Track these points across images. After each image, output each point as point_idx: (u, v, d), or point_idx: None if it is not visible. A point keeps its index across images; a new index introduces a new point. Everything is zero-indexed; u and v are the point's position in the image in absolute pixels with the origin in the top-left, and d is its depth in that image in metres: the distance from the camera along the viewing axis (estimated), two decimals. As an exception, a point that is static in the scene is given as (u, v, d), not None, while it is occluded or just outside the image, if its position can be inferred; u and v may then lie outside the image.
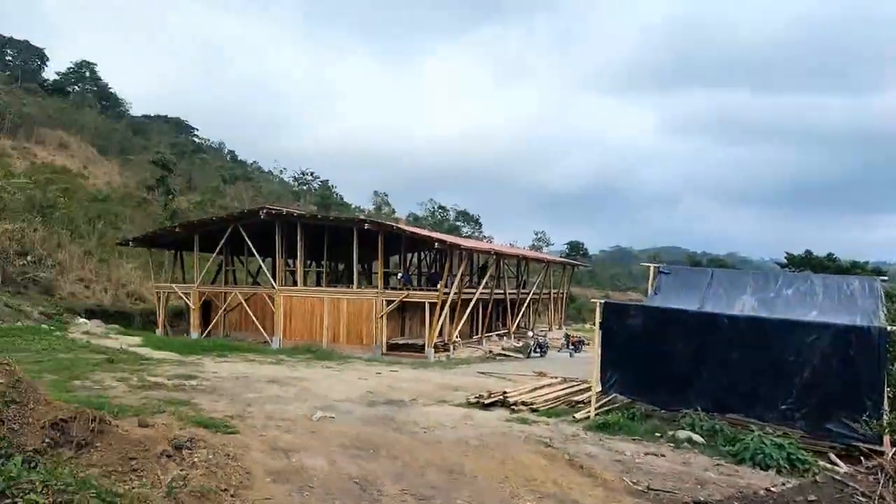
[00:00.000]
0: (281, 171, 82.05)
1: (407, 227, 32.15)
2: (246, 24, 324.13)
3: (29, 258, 32.72)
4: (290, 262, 33.92)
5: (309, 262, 35.56)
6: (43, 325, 24.08)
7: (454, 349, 28.37)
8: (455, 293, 28.24)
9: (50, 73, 74.79)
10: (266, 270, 33.31)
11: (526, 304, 37.78)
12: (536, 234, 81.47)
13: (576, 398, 14.59)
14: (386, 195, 79.95)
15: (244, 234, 30.06)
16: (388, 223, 32.49)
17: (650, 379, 12.75)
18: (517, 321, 36.56)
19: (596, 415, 12.39)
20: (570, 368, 21.21)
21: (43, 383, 9.75)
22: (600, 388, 13.26)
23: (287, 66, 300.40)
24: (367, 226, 28.20)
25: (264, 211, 29.46)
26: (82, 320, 26.94)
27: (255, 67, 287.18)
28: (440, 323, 26.97)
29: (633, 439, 11.04)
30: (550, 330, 40.48)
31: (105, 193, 47.76)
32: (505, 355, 29.01)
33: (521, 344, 31.58)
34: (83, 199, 43.88)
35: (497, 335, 34.59)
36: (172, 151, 56.81)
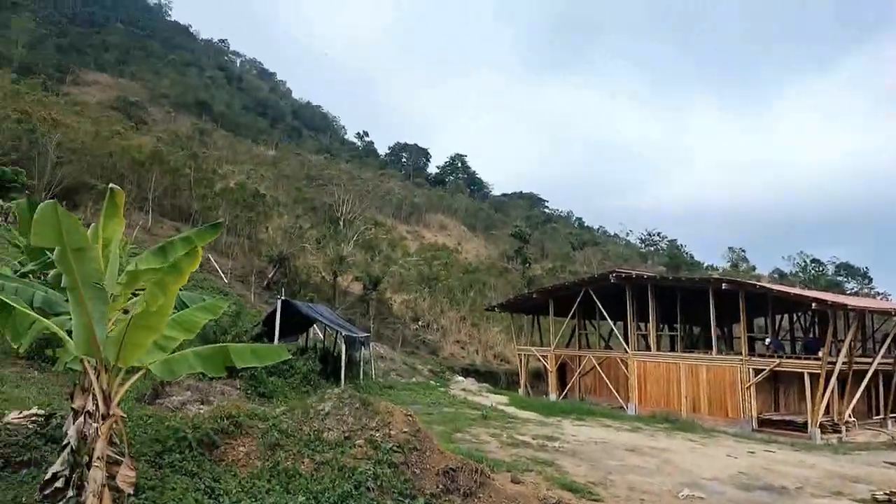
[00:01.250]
0: (627, 234, 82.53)
1: (773, 286, 28.59)
2: (585, 95, 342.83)
3: (420, 323, 39.20)
4: (642, 325, 33.21)
5: (661, 325, 34.29)
6: (431, 381, 28.30)
7: (847, 431, 23.54)
8: (844, 362, 23.67)
9: (432, 168, 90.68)
10: (618, 334, 33.27)
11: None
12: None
13: None
14: (743, 251, 73.04)
15: (595, 297, 30.73)
16: (749, 282, 29.41)
17: None
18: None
19: None
20: None
21: (433, 434, 11.31)
22: None
23: (627, 130, 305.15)
24: (724, 286, 25.96)
25: (613, 274, 29.73)
26: (460, 378, 30.78)
27: (597, 135, 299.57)
28: (825, 398, 22.80)
29: None
30: None
31: (474, 265, 54.69)
32: (924, 444, 22.80)
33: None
34: (458, 272, 51.00)
35: (909, 417, 27.52)
36: (527, 224, 62.31)
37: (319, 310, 26.51)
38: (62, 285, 5.34)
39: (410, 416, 10.14)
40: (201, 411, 10.80)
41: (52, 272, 7.00)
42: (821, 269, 69.00)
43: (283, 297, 23.26)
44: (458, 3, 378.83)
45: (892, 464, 17.02)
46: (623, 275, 29.75)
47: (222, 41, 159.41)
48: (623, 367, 29.14)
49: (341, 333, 23.78)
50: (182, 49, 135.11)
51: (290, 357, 8.41)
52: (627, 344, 29.71)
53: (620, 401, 28.83)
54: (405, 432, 9.65)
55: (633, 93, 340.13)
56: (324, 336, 29.55)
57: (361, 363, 25.63)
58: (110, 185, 7.99)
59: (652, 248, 72.24)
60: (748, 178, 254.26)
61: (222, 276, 35.79)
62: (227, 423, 8.49)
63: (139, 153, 43.80)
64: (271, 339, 21.91)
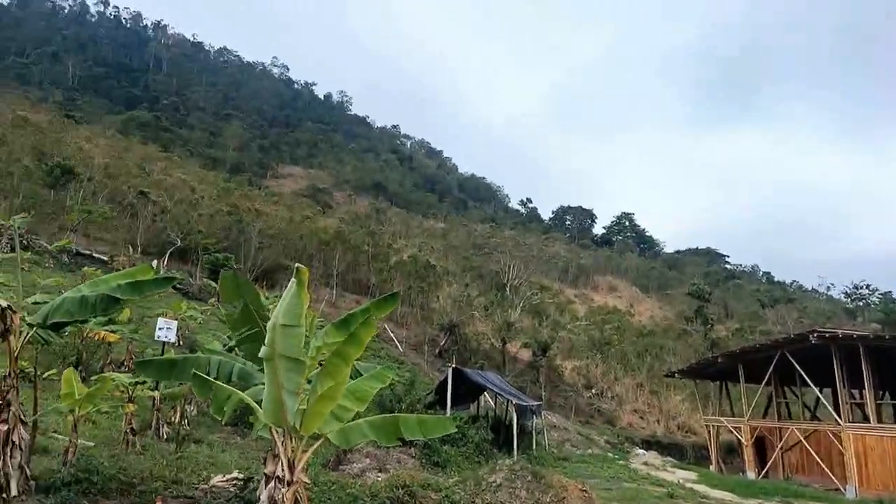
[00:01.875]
0: (827, 288, 73.10)
1: None
2: (761, 144, 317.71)
3: (593, 391, 37.58)
4: (855, 392, 28.74)
5: (881, 392, 29.41)
6: (608, 454, 26.71)
7: None
8: None
9: (598, 229, 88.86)
10: (825, 403, 29.04)
11: None
12: None
13: None
14: (985, 302, 60.91)
15: (793, 361, 27.29)
16: None
17: None
18: None
19: None
20: None
21: (613, 512, 10.56)
22: None
23: (813, 176, 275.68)
24: (963, 345, 21.77)
25: (815, 334, 26.25)
26: (640, 451, 28.70)
27: (780, 184, 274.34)
28: None
29: None
30: None
31: (649, 328, 51.73)
32: None
33: None
34: (631, 335, 48.54)
35: None
36: (706, 281, 58.02)
37: (490, 377, 26.58)
38: (260, 356, 5.95)
39: (587, 492, 9.62)
40: (378, 479, 11.18)
41: (245, 345, 7.85)
42: None
43: (453, 365, 23.71)
44: (616, 65, 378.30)
45: None
46: (827, 334, 26.14)
47: (394, 126, 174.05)
48: (836, 442, 25.18)
49: (512, 402, 23.52)
50: (361, 137, 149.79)
51: (455, 430, 8.46)
52: (839, 415, 25.72)
53: (836, 482, 24.79)
54: (580, 510, 9.14)
55: (816, 137, 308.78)
56: (495, 404, 29.43)
57: (534, 433, 25.02)
58: (297, 264, 8.93)
59: (861, 304, 63.04)
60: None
61: (397, 344, 37.56)
62: (402, 492, 8.69)
63: (325, 234, 48.46)
64: (444, 407, 22.29)
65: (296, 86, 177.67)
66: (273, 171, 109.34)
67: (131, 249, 35.37)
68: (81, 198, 39.34)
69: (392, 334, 39.02)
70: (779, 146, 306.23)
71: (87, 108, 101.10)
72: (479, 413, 27.13)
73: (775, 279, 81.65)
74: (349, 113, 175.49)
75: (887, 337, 29.85)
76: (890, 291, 64.24)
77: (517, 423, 22.91)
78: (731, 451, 32.08)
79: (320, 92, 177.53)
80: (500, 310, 43.00)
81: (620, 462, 24.10)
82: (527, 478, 9.82)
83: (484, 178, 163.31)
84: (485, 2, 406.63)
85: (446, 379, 23.14)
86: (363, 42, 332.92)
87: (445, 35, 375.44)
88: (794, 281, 79.25)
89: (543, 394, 35.10)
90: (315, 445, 6.26)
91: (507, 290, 49.91)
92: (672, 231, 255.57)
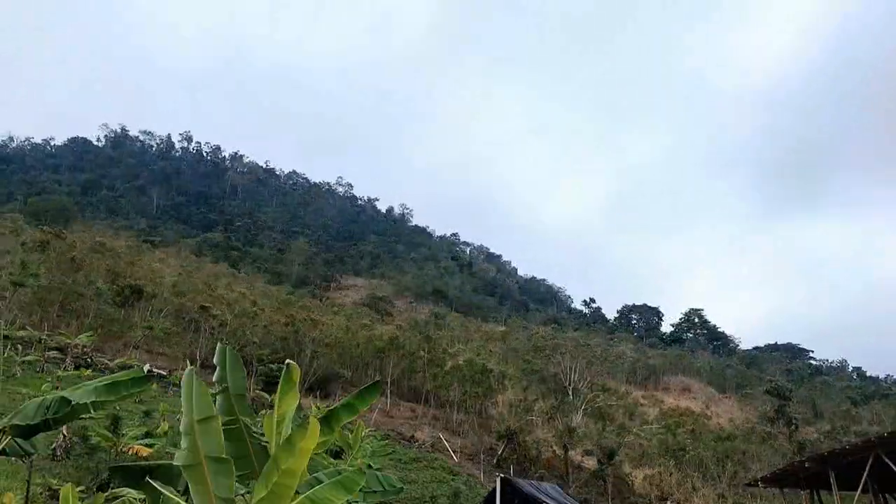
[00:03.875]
0: (930, 381, 66.12)
1: None
2: (835, 231, 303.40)
3: (668, 502, 34.19)
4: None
5: None
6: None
7: None
8: None
9: (666, 327, 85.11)
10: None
11: None
12: None
13: None
14: None
15: (890, 463, 24.08)
16: None
17: None
18: None
19: None
20: None
21: None
22: None
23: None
24: None
25: (912, 432, 23.30)
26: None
27: (863, 272, 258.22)
28: None
29: None
30: None
31: (728, 431, 47.62)
32: None
33: None
34: (708, 439, 44.68)
35: None
36: (788, 378, 53.70)
37: (545, 488, 24.67)
38: (176, 462, 5.34)
39: None
40: None
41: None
42: None
43: (501, 475, 22.19)
44: (676, 165, 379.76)
45: None
46: (927, 432, 23.13)
47: (454, 234, 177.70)
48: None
49: (567, 516, 21.57)
50: (422, 247, 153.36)
51: None
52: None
53: None
54: None
55: (887, 226, 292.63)
56: (554, 519, 27.07)
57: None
58: (287, 361, 8.56)
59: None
60: None
61: (452, 454, 35.86)
62: None
63: (379, 341, 48.39)
64: (493, 523, 20.64)
65: (359, 202, 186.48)
66: (336, 283, 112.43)
67: (188, 363, 36.20)
68: (147, 315, 41.17)
69: (447, 443, 37.41)
70: (855, 234, 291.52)
71: (166, 233, 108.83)
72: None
73: (867, 374, 74.68)
74: (410, 224, 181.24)
75: None
76: None
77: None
78: (833, 573, 27.89)
79: (382, 206, 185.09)
80: (561, 415, 40.82)
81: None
82: None
83: (545, 279, 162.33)
84: (538, 108, 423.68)
85: (494, 491, 21.62)
86: (423, 155, 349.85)
87: (501, 142, 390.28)
88: (889, 375, 72.10)
89: (611, 507, 32.18)
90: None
91: (569, 393, 47.66)
92: (748, 328, 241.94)
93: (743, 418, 52.51)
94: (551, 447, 39.18)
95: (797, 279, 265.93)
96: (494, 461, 36.22)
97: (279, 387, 8.31)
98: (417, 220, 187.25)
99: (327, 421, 7.64)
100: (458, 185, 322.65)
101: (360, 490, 8.82)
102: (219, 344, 8.15)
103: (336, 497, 5.95)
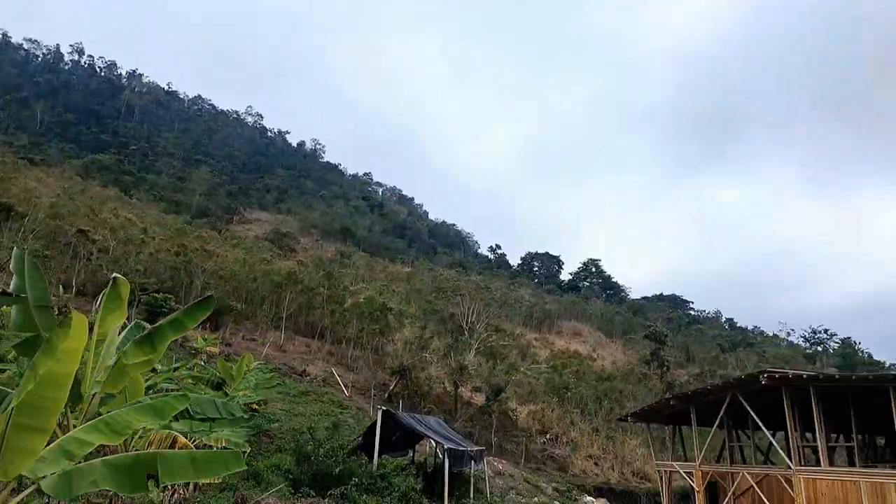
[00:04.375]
0: (788, 334, 73.21)
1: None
2: (730, 193, 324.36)
3: (547, 436, 36.20)
4: (808, 435, 27.91)
5: (833, 435, 28.63)
6: (555, 502, 25.31)
7: None
8: None
9: (565, 275, 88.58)
10: (778, 447, 28.12)
11: None
12: None
13: None
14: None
15: (744, 403, 26.44)
16: (945, 377, 23.80)
17: None
18: None
19: None
20: None
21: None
22: None
23: (782, 225, 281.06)
24: (908, 382, 21.14)
25: (765, 375, 25.50)
26: (589, 498, 27.35)
27: (748, 233, 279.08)
28: None
29: None
30: None
31: (609, 372, 50.75)
32: None
33: None
34: (591, 379, 47.44)
35: None
36: (668, 326, 57.57)
37: (428, 422, 25.26)
38: None
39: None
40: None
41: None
42: None
43: (383, 408, 22.40)
44: (592, 120, 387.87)
45: None
46: (777, 375, 25.38)
47: (366, 174, 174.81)
48: (787, 487, 24.14)
49: (444, 447, 22.19)
50: (332, 184, 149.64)
51: (246, 468, 7.29)
52: (790, 458, 24.76)
53: (788, 529, 23.64)
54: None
55: (785, 187, 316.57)
56: (437, 451, 27.96)
57: (472, 481, 23.62)
58: (114, 275, 7.80)
59: (819, 348, 62.95)
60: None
61: (343, 389, 36.00)
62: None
63: (277, 276, 47.14)
64: (372, 454, 20.92)
65: (269, 134, 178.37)
66: (240, 217, 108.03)
67: (62, 289, 33.75)
68: (17, 237, 37.81)
69: (339, 378, 37.48)
70: (748, 198, 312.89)
71: (50, 152, 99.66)
72: (414, 460, 25.66)
73: (737, 325, 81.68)
74: (322, 161, 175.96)
75: (837, 377, 29.28)
76: (849, 337, 64.38)
77: (450, 470, 21.54)
78: (685, 498, 30.81)
79: (293, 140, 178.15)
80: (455, 353, 41.76)
81: (562, 511, 22.76)
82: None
83: (454, 224, 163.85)
84: (462, 54, 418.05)
85: (374, 424, 21.83)
86: (341, 90, 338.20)
87: (422, 84, 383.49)
88: (756, 326, 79.38)
89: (494, 439, 33.66)
90: (21, 497, 4.79)
91: (465, 333, 48.75)
92: (643, 279, 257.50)
93: (625, 361, 56.12)
94: (443, 384, 40.20)
95: (696, 234, 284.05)
96: (385, 396, 36.72)
97: (101, 304, 7.61)
98: (330, 156, 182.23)
99: (150, 339, 7.11)
100: (375, 125, 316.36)
101: (196, 417, 8.39)
102: (14, 248, 7.31)
103: (137, 420, 5.48)
